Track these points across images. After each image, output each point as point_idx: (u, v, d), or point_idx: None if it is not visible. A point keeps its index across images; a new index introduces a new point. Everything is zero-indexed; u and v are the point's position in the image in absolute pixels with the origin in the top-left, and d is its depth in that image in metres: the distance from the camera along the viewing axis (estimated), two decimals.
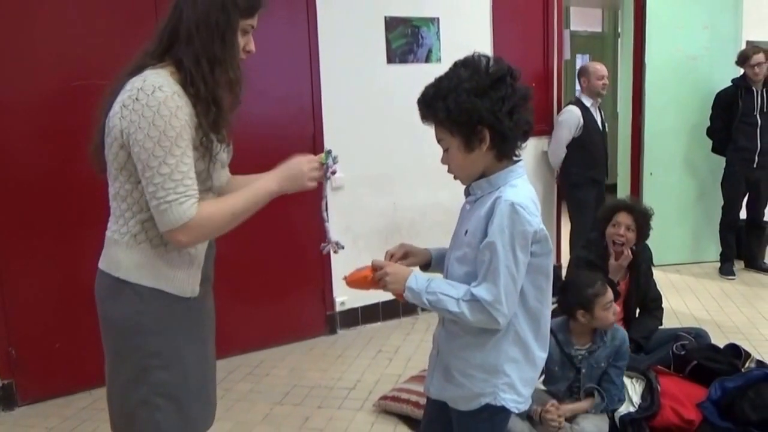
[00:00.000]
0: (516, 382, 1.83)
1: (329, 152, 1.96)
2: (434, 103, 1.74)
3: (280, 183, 1.84)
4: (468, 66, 1.73)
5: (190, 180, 1.68)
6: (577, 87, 5.47)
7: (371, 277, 1.87)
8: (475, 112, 1.69)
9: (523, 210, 1.70)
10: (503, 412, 1.85)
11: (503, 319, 1.73)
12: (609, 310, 2.93)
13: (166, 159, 1.63)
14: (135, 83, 1.67)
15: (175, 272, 1.80)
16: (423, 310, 4.65)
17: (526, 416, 2.90)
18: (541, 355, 1.89)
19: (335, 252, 2.06)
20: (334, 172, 2.00)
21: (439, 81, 1.76)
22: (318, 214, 2.04)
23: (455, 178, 1.87)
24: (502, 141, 1.74)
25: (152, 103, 1.63)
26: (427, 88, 1.78)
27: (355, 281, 1.91)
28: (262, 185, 1.84)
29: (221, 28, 1.72)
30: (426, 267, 2.04)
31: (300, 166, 1.86)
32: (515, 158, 1.82)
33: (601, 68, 5.29)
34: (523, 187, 1.78)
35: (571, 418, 2.98)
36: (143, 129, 1.63)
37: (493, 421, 1.88)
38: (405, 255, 2.00)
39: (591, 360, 3.00)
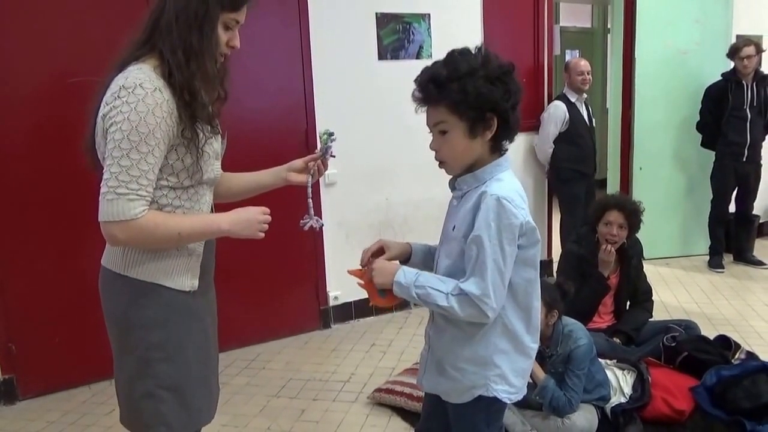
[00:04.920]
0: (507, 373, 1.85)
1: (331, 134, 2.06)
2: (449, 85, 1.71)
3: (232, 225, 1.84)
4: (477, 55, 1.74)
5: (146, 181, 1.67)
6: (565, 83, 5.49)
7: (364, 274, 1.92)
8: (491, 99, 1.71)
9: (509, 203, 1.71)
10: (497, 403, 1.87)
11: (492, 313, 1.74)
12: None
13: (129, 153, 1.63)
14: (118, 81, 1.68)
15: (174, 267, 1.82)
16: (415, 304, 4.67)
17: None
18: (532, 346, 1.90)
19: (315, 228, 2.11)
20: (333, 155, 2.11)
21: (452, 63, 1.73)
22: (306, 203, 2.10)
23: (441, 165, 1.86)
24: (505, 132, 1.77)
25: (131, 99, 1.64)
26: (437, 69, 1.75)
27: (378, 300, 1.95)
28: (214, 220, 1.86)
29: (199, 20, 1.71)
30: (405, 262, 2.02)
31: (254, 215, 1.87)
32: (502, 152, 1.84)
33: (580, 64, 5.31)
34: (509, 181, 1.80)
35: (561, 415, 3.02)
36: (117, 123, 1.63)
37: (488, 411, 1.90)
38: (380, 249, 1.99)
39: (549, 363, 3.03)
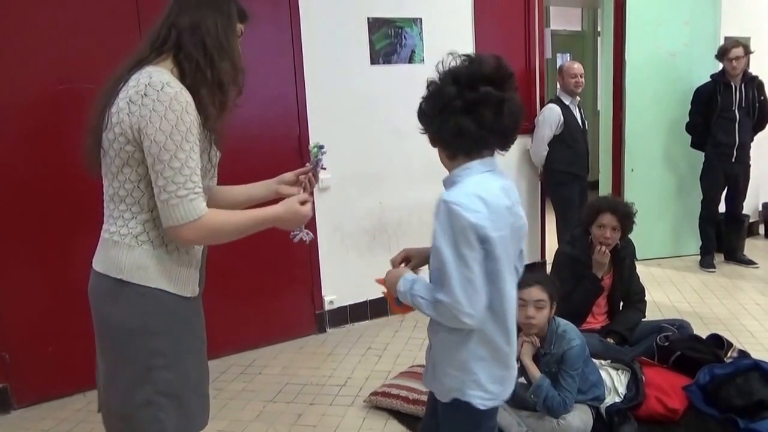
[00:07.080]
0: (483, 379, 1.85)
1: (321, 147, 2.07)
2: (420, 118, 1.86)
3: (284, 216, 1.89)
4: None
5: (197, 177, 1.69)
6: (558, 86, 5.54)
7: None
8: (425, 120, 1.84)
9: (457, 207, 1.70)
10: (473, 408, 1.86)
11: (469, 319, 1.73)
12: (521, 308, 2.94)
13: (176, 153, 1.65)
14: (140, 79, 1.68)
15: (177, 272, 1.82)
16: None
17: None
18: (510, 354, 1.91)
19: (305, 241, 2.11)
20: (324, 168, 2.12)
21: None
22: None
23: None
24: (446, 141, 1.83)
25: (163, 98, 1.64)
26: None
27: (394, 309, 1.99)
28: (267, 215, 1.88)
29: (224, 19, 1.79)
30: None
31: (303, 211, 1.92)
32: (486, 155, 1.83)
33: (573, 67, 5.36)
34: (470, 184, 1.77)
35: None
36: (154, 123, 1.64)
37: (471, 413, 1.88)
38: (405, 259, 2.03)
39: (543, 363, 3.06)
